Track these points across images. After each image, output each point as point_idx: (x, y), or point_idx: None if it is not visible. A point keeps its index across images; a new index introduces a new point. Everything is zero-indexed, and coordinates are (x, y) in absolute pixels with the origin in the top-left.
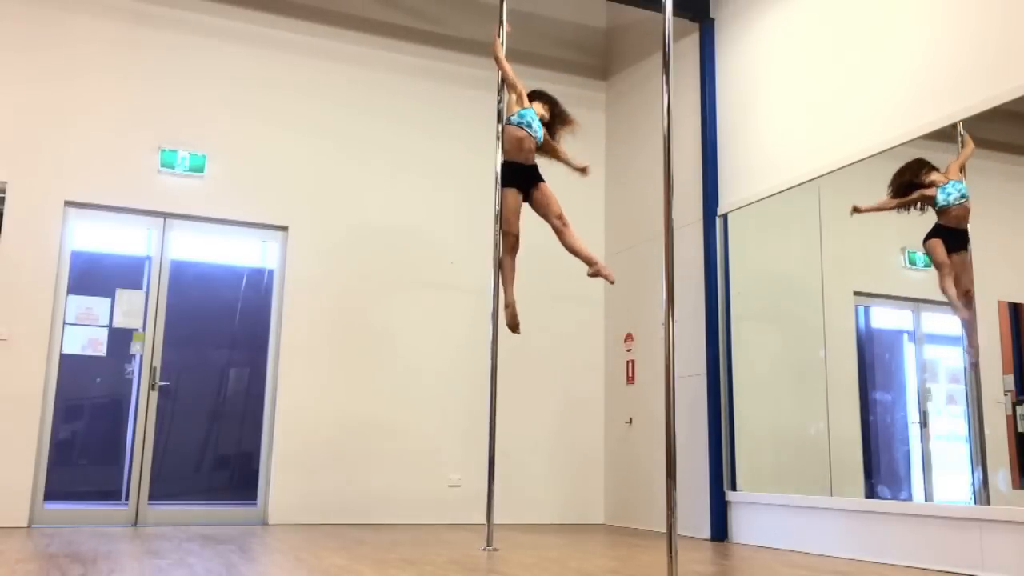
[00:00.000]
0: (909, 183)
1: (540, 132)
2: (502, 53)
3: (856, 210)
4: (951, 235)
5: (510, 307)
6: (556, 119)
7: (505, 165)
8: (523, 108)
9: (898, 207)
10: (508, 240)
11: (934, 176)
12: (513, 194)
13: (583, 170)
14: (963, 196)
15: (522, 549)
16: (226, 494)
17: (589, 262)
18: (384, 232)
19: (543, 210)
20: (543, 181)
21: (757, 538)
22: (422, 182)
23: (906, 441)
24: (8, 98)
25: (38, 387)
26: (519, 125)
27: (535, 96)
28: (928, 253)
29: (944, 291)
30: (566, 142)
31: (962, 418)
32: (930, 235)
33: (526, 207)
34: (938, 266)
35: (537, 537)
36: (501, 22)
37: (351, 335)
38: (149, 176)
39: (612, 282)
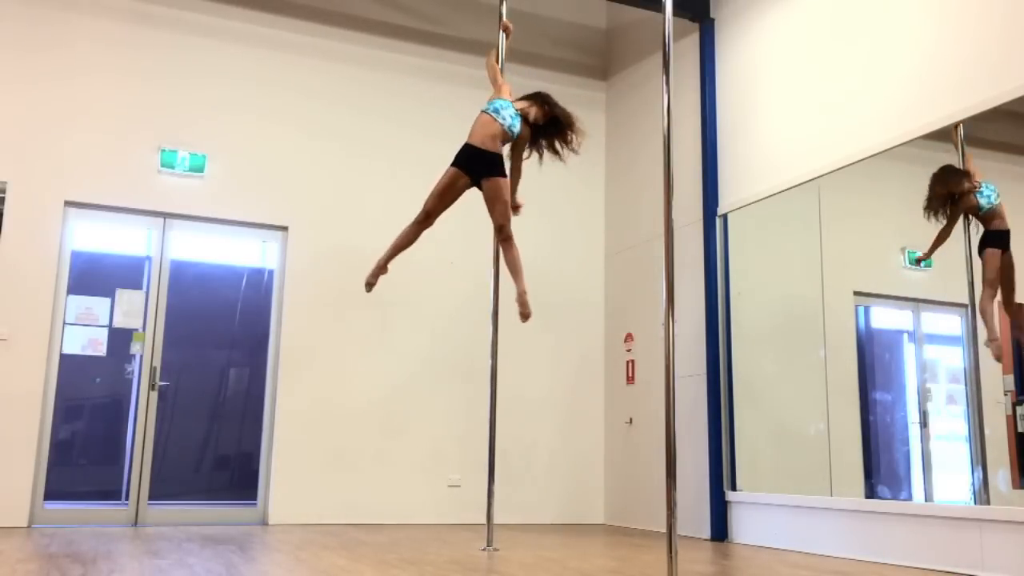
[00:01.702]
0: (948, 195)
1: (512, 123)
2: (494, 59)
3: (924, 257)
4: (1000, 239)
5: (378, 270)
6: (551, 127)
7: (463, 146)
8: (500, 98)
9: (949, 228)
10: (421, 213)
11: (969, 182)
12: (452, 173)
13: (515, 208)
14: (998, 195)
15: (522, 549)
16: (226, 494)
17: (519, 289)
18: (384, 232)
19: (489, 209)
20: (500, 176)
21: (757, 538)
22: (422, 182)
23: (906, 441)
24: (8, 98)
25: (38, 387)
26: (486, 111)
27: (533, 96)
28: (985, 264)
29: (983, 311)
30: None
31: (962, 418)
32: (986, 243)
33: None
34: (989, 282)
35: (537, 537)
36: (501, 20)
37: (351, 335)
38: (149, 176)
39: (524, 319)
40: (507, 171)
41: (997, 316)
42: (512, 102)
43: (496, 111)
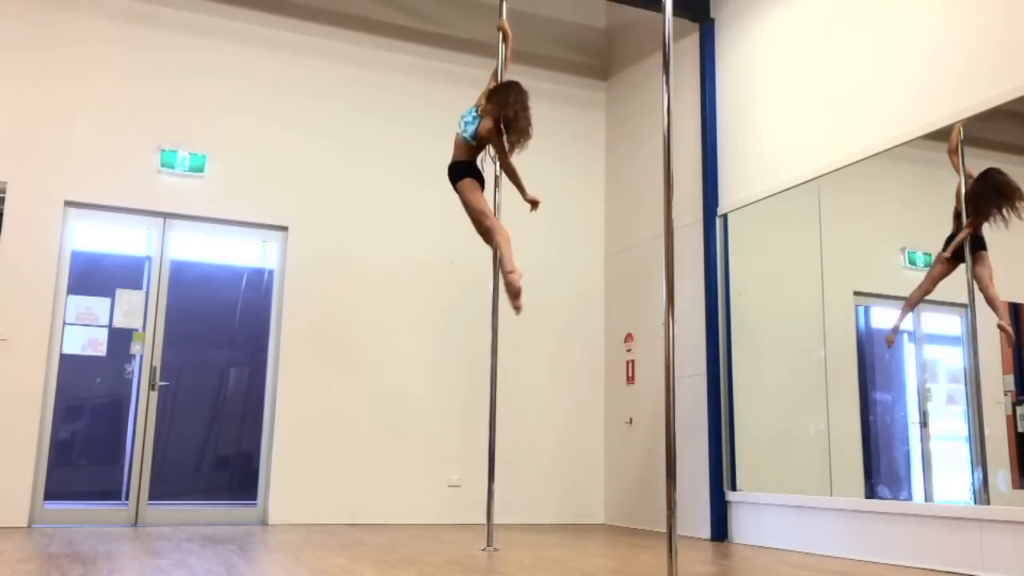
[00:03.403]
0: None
1: (464, 128)
2: (495, 70)
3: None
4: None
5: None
6: (509, 121)
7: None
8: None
9: (970, 230)
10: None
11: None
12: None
13: (533, 204)
14: None
15: (522, 549)
16: (226, 494)
17: (503, 270)
18: (384, 232)
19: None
20: (459, 181)
21: (757, 538)
22: (422, 181)
23: (906, 441)
24: (8, 98)
25: (38, 387)
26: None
27: (494, 88)
28: (985, 261)
29: (995, 299)
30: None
31: (962, 418)
32: (983, 246)
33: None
34: (992, 277)
35: (537, 537)
36: (500, 18)
37: (351, 335)
38: (149, 176)
39: (513, 300)
40: (472, 173)
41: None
42: (474, 105)
43: (459, 122)
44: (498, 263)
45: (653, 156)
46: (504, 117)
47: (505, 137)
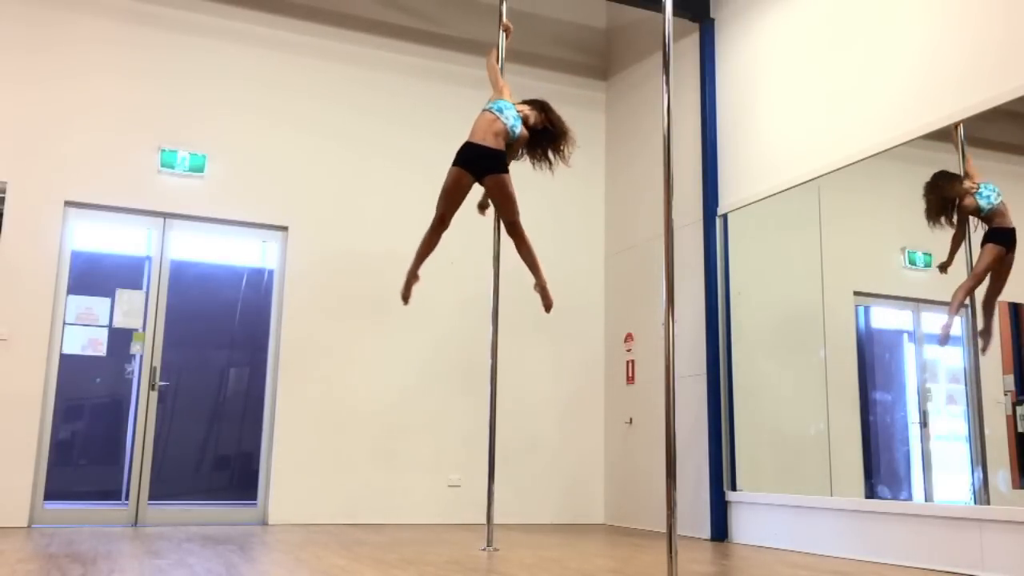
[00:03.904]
0: (943, 200)
1: (515, 124)
2: (494, 60)
3: (947, 264)
4: (1003, 236)
5: (410, 279)
6: (546, 136)
7: (464, 145)
8: (502, 99)
9: (961, 232)
10: (435, 218)
11: (965, 184)
12: (455, 173)
13: (483, 208)
14: (999, 194)
15: (522, 549)
16: (226, 494)
17: (540, 282)
18: (384, 232)
19: (495, 206)
20: (504, 172)
21: (757, 538)
22: (422, 182)
23: (906, 441)
24: (8, 98)
25: (38, 387)
26: (489, 110)
27: (529, 101)
28: (981, 256)
29: (954, 295)
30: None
31: (962, 418)
32: (988, 239)
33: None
34: (976, 274)
35: (537, 537)
36: (501, 20)
37: (351, 335)
38: (149, 176)
39: (547, 309)
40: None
41: (969, 306)
42: (513, 104)
43: (500, 110)
44: (536, 274)
45: (653, 156)
46: (553, 128)
47: (551, 147)
